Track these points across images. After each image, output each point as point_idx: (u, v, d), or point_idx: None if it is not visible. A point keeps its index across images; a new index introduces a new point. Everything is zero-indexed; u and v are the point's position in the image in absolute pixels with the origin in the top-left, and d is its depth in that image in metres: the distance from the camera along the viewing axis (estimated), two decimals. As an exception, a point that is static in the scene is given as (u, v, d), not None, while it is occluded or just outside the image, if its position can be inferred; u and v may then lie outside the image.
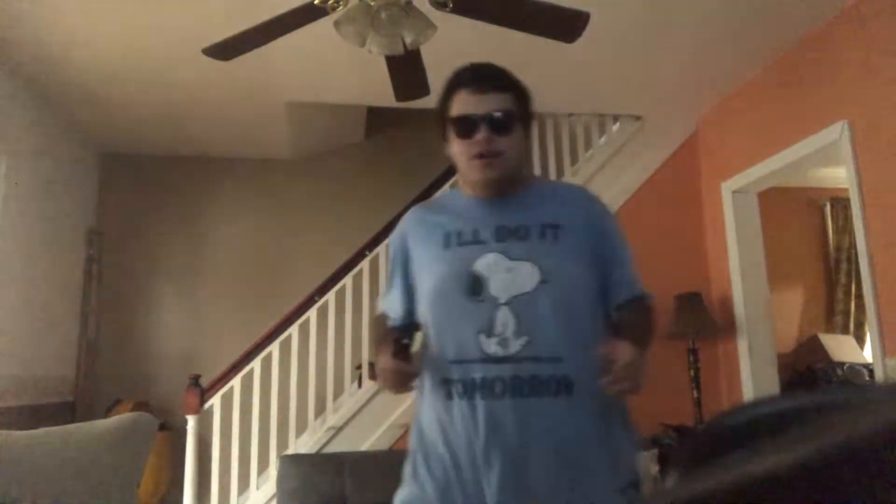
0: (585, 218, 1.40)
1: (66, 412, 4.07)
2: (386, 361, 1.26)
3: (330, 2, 2.13)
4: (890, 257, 2.85)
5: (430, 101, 3.06)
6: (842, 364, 4.71)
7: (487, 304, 1.27)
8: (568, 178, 4.21)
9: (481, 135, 1.32)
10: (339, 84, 3.79)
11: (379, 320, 1.53)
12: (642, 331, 1.38)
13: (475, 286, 1.29)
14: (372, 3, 2.07)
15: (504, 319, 1.26)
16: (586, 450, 1.26)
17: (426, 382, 1.36)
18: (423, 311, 1.37)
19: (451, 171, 4.23)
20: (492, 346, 1.25)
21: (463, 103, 1.35)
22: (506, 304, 1.27)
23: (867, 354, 4.70)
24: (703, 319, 3.83)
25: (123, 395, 4.33)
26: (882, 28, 2.87)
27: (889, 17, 2.84)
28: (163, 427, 3.81)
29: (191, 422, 3.62)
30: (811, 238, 5.38)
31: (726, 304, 3.97)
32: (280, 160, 4.99)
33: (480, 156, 1.33)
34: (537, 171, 4.24)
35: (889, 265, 2.86)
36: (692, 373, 3.86)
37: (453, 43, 3.11)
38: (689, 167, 4.30)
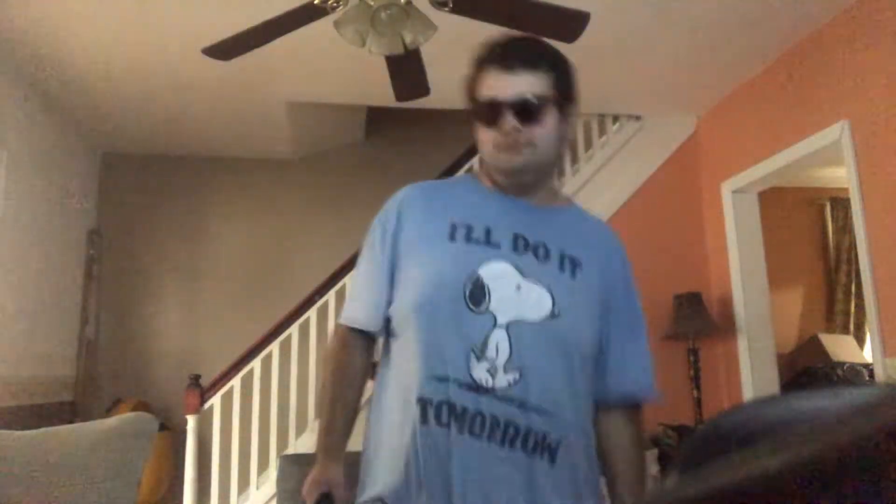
0: (607, 261, 1.21)
1: (66, 412, 4.07)
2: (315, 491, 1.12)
3: (330, 2, 2.13)
4: (890, 257, 2.85)
5: (430, 101, 3.07)
6: (842, 364, 4.71)
7: (484, 320, 1.06)
8: (568, 178, 4.21)
9: (508, 124, 1.10)
10: (339, 84, 3.79)
11: (341, 369, 1.22)
12: (642, 482, 1.18)
13: (476, 293, 1.07)
14: (372, 3, 2.07)
15: (498, 343, 1.05)
16: None
17: (388, 399, 1.15)
18: (406, 311, 1.13)
19: (453, 168, 4.23)
20: (479, 371, 1.04)
21: (490, 84, 1.13)
22: (504, 325, 1.06)
23: (867, 354, 4.70)
24: (703, 319, 3.83)
25: (123, 395, 4.33)
26: (882, 28, 2.87)
27: (889, 17, 2.83)
28: (163, 427, 3.81)
29: (191, 422, 3.62)
30: (811, 238, 5.38)
31: (726, 304, 3.97)
32: (280, 160, 4.99)
33: (506, 146, 1.12)
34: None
35: (889, 265, 2.86)
36: (692, 373, 3.86)
37: (453, 43, 3.11)
38: (689, 167, 4.30)
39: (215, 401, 3.69)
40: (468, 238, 1.13)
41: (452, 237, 1.13)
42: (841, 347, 4.91)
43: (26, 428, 1.90)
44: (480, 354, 1.04)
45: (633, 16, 3.11)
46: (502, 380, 1.04)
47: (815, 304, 5.30)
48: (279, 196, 4.95)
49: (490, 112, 1.12)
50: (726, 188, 3.98)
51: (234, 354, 3.82)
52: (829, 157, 3.40)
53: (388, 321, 1.19)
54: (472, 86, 1.17)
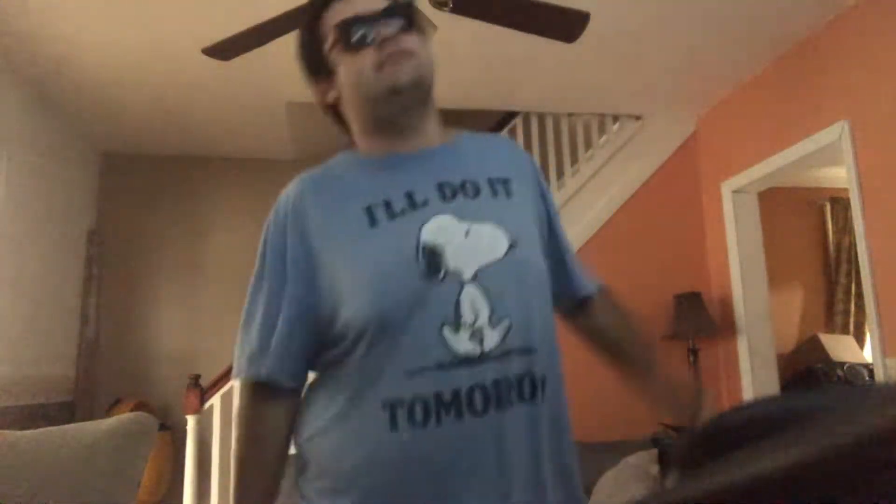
0: (528, 173, 1.09)
1: (66, 412, 4.07)
2: None
3: (330, 2, 2.13)
4: (890, 257, 2.85)
5: (430, 101, 3.07)
6: (842, 364, 4.71)
7: (447, 284, 0.90)
8: (568, 178, 4.21)
9: (385, 28, 0.96)
10: (339, 84, 3.79)
11: (251, 448, 1.01)
12: (654, 346, 1.14)
13: (431, 260, 0.91)
14: (372, 3, 2.07)
15: (472, 302, 0.90)
16: (546, 468, 0.96)
17: (346, 410, 0.94)
18: (351, 317, 0.92)
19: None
20: (463, 343, 0.89)
21: (343, 8, 0.99)
22: (472, 280, 0.91)
23: (867, 354, 4.71)
24: (703, 319, 3.83)
25: (123, 395, 4.33)
26: (882, 28, 2.87)
27: (889, 17, 2.84)
28: (163, 427, 3.81)
29: (191, 422, 3.62)
30: (811, 238, 5.38)
31: (726, 304, 3.97)
32: (280, 160, 4.99)
33: (389, 59, 0.96)
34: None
35: (889, 265, 2.86)
36: (692, 373, 3.86)
37: (453, 43, 3.11)
38: (689, 167, 4.30)
39: (215, 401, 3.69)
40: (391, 215, 0.95)
41: (373, 222, 0.95)
42: (841, 347, 4.91)
43: (26, 428, 1.90)
44: (456, 324, 0.89)
45: (633, 16, 3.11)
46: (493, 337, 0.90)
47: (815, 304, 5.30)
48: (279, 196, 4.95)
49: (359, 29, 0.96)
50: (726, 188, 3.98)
51: (233, 354, 3.82)
52: (829, 157, 3.40)
53: (324, 348, 0.99)
54: (314, 30, 1.03)
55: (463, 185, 0.99)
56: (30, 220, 3.69)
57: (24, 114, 3.62)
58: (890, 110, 2.83)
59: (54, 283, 4.01)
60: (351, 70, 0.99)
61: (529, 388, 0.92)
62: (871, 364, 3.44)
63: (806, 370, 4.70)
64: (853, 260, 4.96)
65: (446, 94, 3.55)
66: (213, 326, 4.63)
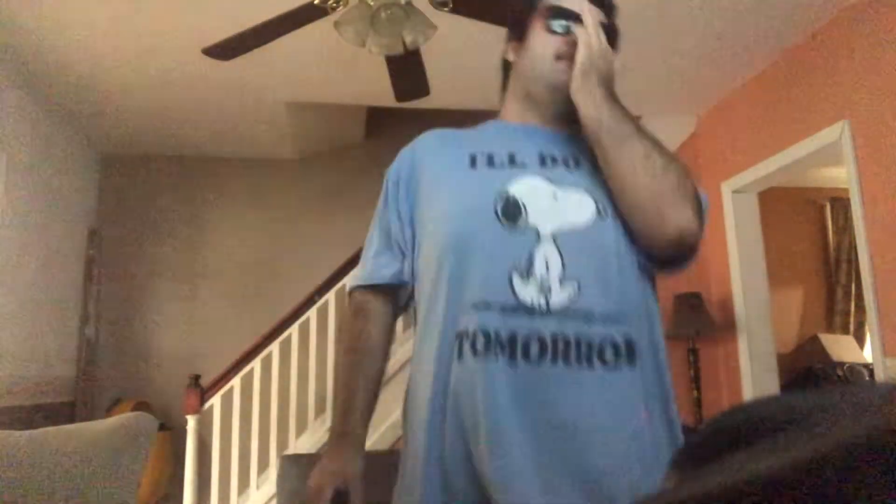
0: None
1: (66, 412, 4.07)
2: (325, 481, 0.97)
3: (330, 2, 2.13)
4: (890, 257, 2.85)
5: (430, 102, 3.07)
6: (842, 364, 4.71)
7: (525, 236, 0.95)
8: (568, 178, 4.21)
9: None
10: (339, 84, 3.79)
11: (356, 341, 1.10)
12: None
13: (509, 210, 0.97)
14: (372, 3, 2.07)
15: (546, 257, 0.93)
16: (650, 442, 0.93)
17: (424, 336, 1.01)
18: (435, 251, 1.01)
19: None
20: (529, 293, 0.91)
21: (567, 1, 1.08)
22: (550, 237, 0.95)
23: (867, 354, 4.70)
24: (703, 319, 3.83)
25: (123, 395, 4.34)
26: (882, 28, 2.87)
27: (889, 17, 2.84)
28: (163, 427, 3.81)
29: (191, 422, 3.62)
30: (811, 238, 5.38)
31: (726, 304, 3.97)
32: (280, 160, 4.99)
33: (569, 56, 1.04)
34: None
35: (889, 265, 2.86)
36: (692, 373, 3.86)
37: (453, 43, 3.11)
38: (689, 167, 4.29)
39: (215, 401, 3.69)
40: (490, 164, 1.04)
41: (473, 165, 1.05)
42: (841, 347, 4.91)
43: (26, 428, 1.90)
44: (526, 273, 0.92)
45: (633, 16, 3.11)
46: (560, 294, 0.92)
47: (815, 304, 5.30)
48: (279, 196, 4.96)
49: (562, 17, 1.06)
50: (726, 188, 3.98)
51: (234, 354, 3.83)
52: (829, 157, 3.40)
53: (414, 279, 1.09)
54: (531, 3, 1.12)
55: (566, 159, 1.06)
56: (30, 221, 3.69)
57: (24, 114, 3.61)
58: (890, 110, 2.83)
59: (54, 284, 4.01)
60: (536, 46, 1.10)
61: (610, 353, 0.92)
62: (871, 364, 3.44)
63: (806, 370, 4.70)
64: (853, 260, 4.96)
65: (446, 94, 3.55)
66: (213, 326, 4.64)
